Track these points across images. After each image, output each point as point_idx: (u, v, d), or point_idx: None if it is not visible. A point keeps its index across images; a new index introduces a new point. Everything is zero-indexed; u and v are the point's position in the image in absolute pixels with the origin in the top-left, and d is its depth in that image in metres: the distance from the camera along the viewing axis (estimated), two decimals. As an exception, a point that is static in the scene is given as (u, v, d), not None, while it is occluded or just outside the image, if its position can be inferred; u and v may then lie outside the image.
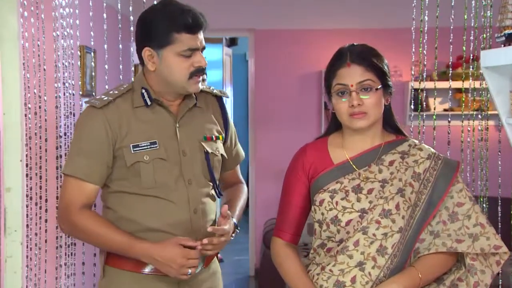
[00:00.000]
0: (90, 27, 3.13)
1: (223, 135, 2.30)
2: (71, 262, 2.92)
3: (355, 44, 2.06)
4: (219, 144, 2.28)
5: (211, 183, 2.23)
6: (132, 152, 2.09)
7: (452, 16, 2.71)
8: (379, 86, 2.00)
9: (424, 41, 2.70)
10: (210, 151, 2.22)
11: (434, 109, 2.81)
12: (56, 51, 2.88)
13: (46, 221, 2.93)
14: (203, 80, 2.22)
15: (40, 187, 2.93)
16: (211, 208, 2.22)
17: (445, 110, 5.76)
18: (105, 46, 3.04)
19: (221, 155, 2.28)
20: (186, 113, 2.20)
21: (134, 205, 2.12)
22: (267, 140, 6.14)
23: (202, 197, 2.18)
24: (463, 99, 2.88)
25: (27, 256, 2.80)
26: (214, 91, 2.33)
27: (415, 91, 5.89)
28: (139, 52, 2.15)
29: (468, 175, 2.85)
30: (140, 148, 2.09)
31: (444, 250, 1.95)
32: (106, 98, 2.12)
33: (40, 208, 2.89)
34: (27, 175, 2.79)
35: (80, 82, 3.65)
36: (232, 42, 8.82)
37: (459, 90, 5.39)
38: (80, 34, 3.23)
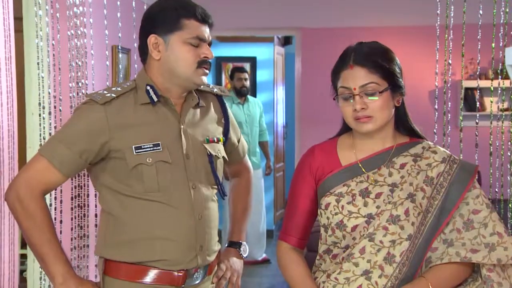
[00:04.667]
0: (118, 27, 3.12)
1: (224, 137, 2.22)
2: (84, 264, 2.90)
3: (363, 42, 1.96)
4: (221, 146, 2.19)
5: (215, 186, 2.15)
6: (135, 153, 1.99)
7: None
8: (385, 88, 1.89)
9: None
10: (213, 153, 2.13)
11: (463, 109, 2.66)
12: (71, 51, 2.87)
13: (61, 222, 2.91)
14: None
15: (55, 189, 2.90)
16: (214, 214, 2.14)
17: (501, 110, 5.53)
18: (135, 45, 3.03)
19: (223, 157, 2.19)
20: (190, 113, 2.12)
21: (136, 210, 2.01)
22: (313, 140, 6.00)
23: (206, 202, 2.10)
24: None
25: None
26: (215, 90, 2.23)
27: (468, 90, 5.70)
28: (142, 43, 2.07)
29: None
30: (143, 150, 2.00)
31: (457, 260, 1.83)
32: (109, 94, 2.02)
33: (55, 209, 2.87)
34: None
35: (109, 82, 3.65)
36: (286, 41, 8.68)
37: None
38: (111, 33, 3.22)
